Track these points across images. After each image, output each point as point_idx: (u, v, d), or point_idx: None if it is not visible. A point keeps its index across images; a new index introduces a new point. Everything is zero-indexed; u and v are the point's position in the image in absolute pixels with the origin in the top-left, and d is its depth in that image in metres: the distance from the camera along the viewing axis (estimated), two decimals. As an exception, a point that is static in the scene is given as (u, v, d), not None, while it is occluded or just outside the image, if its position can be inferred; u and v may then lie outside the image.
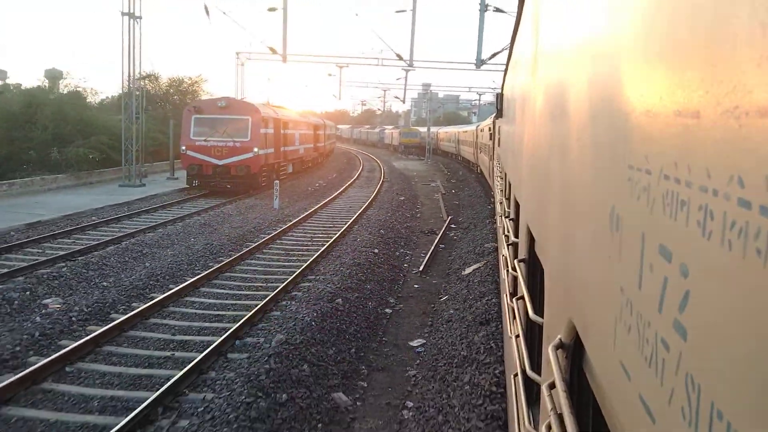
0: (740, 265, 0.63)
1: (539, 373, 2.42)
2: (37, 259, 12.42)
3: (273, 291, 10.83)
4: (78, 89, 35.37)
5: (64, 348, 7.95)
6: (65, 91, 34.59)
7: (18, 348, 8.05)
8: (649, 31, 0.99)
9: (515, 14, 5.80)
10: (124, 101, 25.21)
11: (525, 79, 4.16)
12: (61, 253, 13.13)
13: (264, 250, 14.75)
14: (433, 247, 15.85)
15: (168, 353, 8.26)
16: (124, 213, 19.01)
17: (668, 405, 0.79)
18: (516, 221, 4.97)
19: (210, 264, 13.08)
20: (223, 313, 10.00)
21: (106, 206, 19.98)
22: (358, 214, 20.19)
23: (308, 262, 12.81)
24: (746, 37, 0.64)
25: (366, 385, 7.93)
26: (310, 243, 15.80)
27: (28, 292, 10.25)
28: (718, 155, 0.69)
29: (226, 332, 8.62)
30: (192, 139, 24.21)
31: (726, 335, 0.66)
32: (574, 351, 1.64)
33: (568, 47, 2.01)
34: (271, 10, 27.70)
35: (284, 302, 10.48)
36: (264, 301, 10.09)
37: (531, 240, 3.33)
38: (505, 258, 5.34)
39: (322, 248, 14.33)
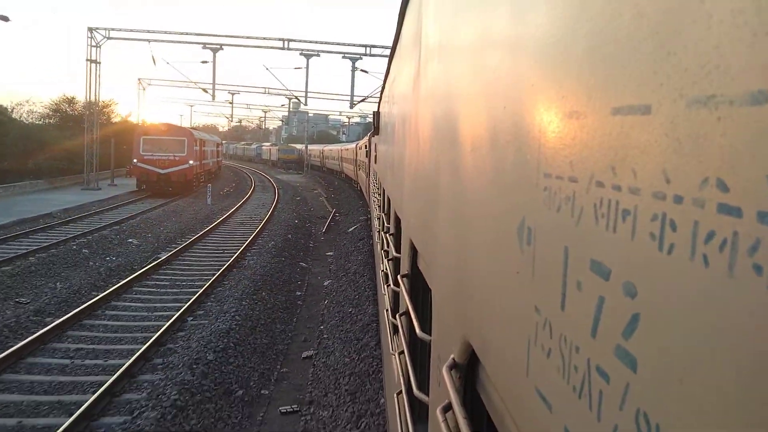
0: (723, 283, 0.51)
1: (427, 393, 2.30)
2: (96, 225, 20.94)
3: (241, 247, 20.27)
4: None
5: (161, 257, 17.01)
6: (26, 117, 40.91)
7: (134, 259, 16.91)
8: (572, 24, 0.86)
9: (395, 28, 5.53)
10: (87, 124, 32.93)
11: (406, 91, 3.90)
12: (105, 223, 21.68)
13: (215, 232, 23.60)
14: (327, 221, 25.96)
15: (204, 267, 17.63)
16: (111, 205, 27.27)
17: None
18: (397, 236, 4.75)
19: (188, 236, 21.98)
20: (222, 250, 19.36)
21: (94, 201, 28.02)
22: (273, 206, 29.76)
23: (254, 233, 22.09)
24: (704, 18, 0.55)
25: (307, 265, 17.81)
26: (250, 222, 25.14)
27: (119, 235, 19.06)
28: (678, 155, 0.58)
29: (235, 255, 18.08)
30: (141, 154, 32.50)
31: (694, 364, 0.55)
32: (467, 371, 1.54)
33: (460, 47, 1.80)
34: (204, 62, 36.46)
35: (248, 255, 19.80)
36: (238, 253, 19.58)
37: (414, 254, 3.20)
38: (385, 273, 5.21)
39: (261, 224, 23.78)
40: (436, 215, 2.20)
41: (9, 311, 11.30)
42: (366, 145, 25.11)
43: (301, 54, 34.71)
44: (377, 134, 11.56)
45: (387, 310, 4.77)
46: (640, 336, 0.64)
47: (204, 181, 39.60)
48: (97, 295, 12.28)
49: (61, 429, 6.77)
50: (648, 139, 0.64)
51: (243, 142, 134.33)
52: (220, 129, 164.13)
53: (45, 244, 17.08)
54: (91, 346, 9.89)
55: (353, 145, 40.44)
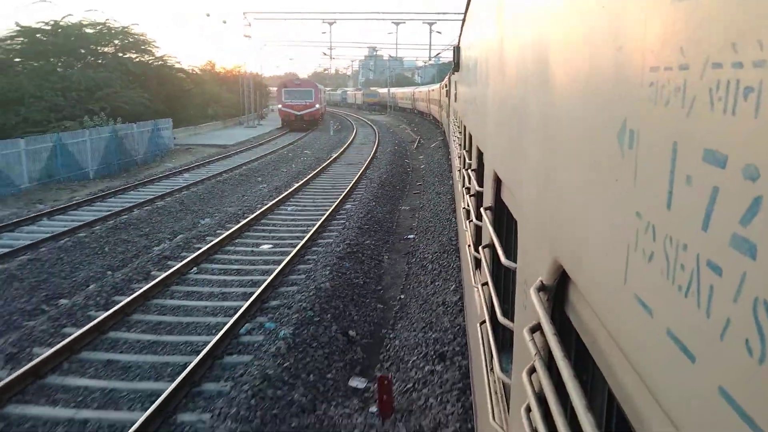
0: None
1: (512, 320, 2.34)
2: (274, 148, 34.77)
3: (369, 156, 33.45)
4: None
5: (332, 156, 30.41)
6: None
7: (312, 162, 30.35)
8: None
9: None
10: (243, 84, 47.17)
11: (490, 15, 3.82)
12: (281, 146, 35.54)
13: (351, 147, 37.00)
14: (416, 141, 38.89)
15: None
16: (275, 136, 41.33)
17: (720, 339, 0.67)
18: (479, 171, 4.79)
19: (332, 153, 35.25)
20: (361, 153, 32.65)
21: (262, 134, 42.20)
22: (377, 134, 42.87)
23: (373, 150, 35.16)
24: None
25: (409, 161, 30.87)
26: (365, 145, 38.30)
27: (293, 152, 32.84)
28: None
29: (371, 155, 31.30)
30: (283, 101, 46.37)
31: None
32: (555, 293, 1.55)
33: None
34: (323, 33, 49.54)
35: (378, 155, 32.90)
36: (369, 156, 32.77)
37: (498, 186, 3.23)
38: (466, 210, 5.29)
39: (375, 145, 36.84)
40: (523, 140, 2.16)
41: (248, 195, 24.99)
42: (445, 85, 26.41)
43: (392, 23, 47.02)
44: (457, 71, 11.00)
45: (469, 245, 4.88)
46: (762, 219, 0.60)
47: (321, 119, 53.39)
48: (303, 179, 25.67)
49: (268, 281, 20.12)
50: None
51: (329, 87, 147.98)
52: (300, 75, 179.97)
53: (252, 158, 30.65)
54: (282, 225, 23.26)
55: (426, 89, 48.56)
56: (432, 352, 7.70)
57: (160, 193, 19.49)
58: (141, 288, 10.15)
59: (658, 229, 0.86)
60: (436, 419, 6.17)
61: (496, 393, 2.85)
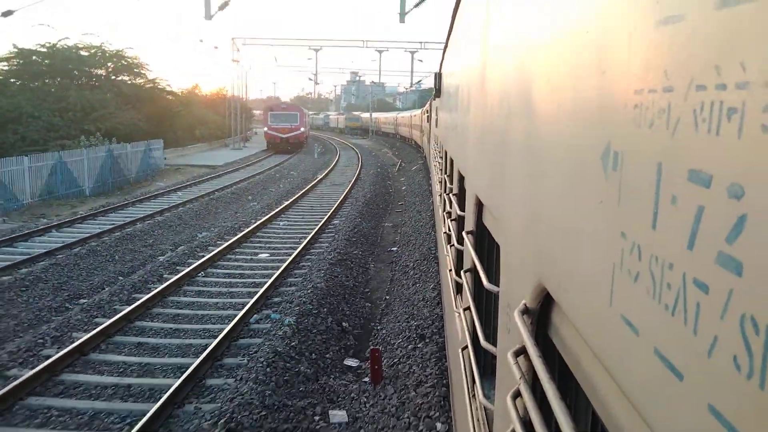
0: None
1: (494, 344, 2.34)
2: (261, 169, 36.27)
3: (353, 177, 35.11)
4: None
5: (317, 178, 31.98)
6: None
7: (297, 183, 31.91)
8: None
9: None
10: (229, 108, 48.78)
11: (473, 41, 3.84)
12: (267, 167, 37.00)
13: (335, 170, 38.60)
14: (398, 164, 40.63)
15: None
16: (261, 158, 42.78)
17: (707, 356, 0.68)
18: (461, 196, 4.82)
19: (317, 174, 36.88)
20: (343, 176, 34.27)
21: (248, 155, 43.64)
22: (359, 158, 44.56)
23: (356, 172, 36.87)
24: None
25: (391, 182, 32.54)
26: (348, 167, 39.97)
27: (279, 173, 34.34)
28: None
29: (354, 176, 32.94)
30: (269, 124, 48.00)
31: None
32: (539, 316, 1.57)
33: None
34: (309, 59, 51.50)
35: (361, 177, 34.59)
36: (353, 177, 34.42)
37: (479, 210, 3.25)
38: (447, 234, 5.32)
39: (359, 167, 38.48)
40: (505, 164, 2.17)
41: (265, 197, 26.43)
42: (426, 110, 26.98)
43: (375, 50, 49.13)
44: (438, 96, 11.01)
45: (450, 270, 4.91)
46: (747, 237, 0.62)
47: (306, 142, 55.04)
48: (291, 198, 27.16)
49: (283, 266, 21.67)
50: (761, 29, 0.61)
51: (312, 111, 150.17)
52: (282, 99, 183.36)
53: (241, 178, 32.13)
54: (276, 238, 24.76)
55: (408, 114, 50.68)
56: (414, 335, 9.19)
57: (158, 209, 20.80)
58: (157, 288, 11.51)
59: (644, 249, 0.87)
60: (418, 380, 7.66)
61: (478, 420, 2.83)
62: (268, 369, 7.93)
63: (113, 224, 18.02)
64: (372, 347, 8.62)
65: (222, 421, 6.56)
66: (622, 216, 0.96)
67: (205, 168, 36.41)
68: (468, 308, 3.21)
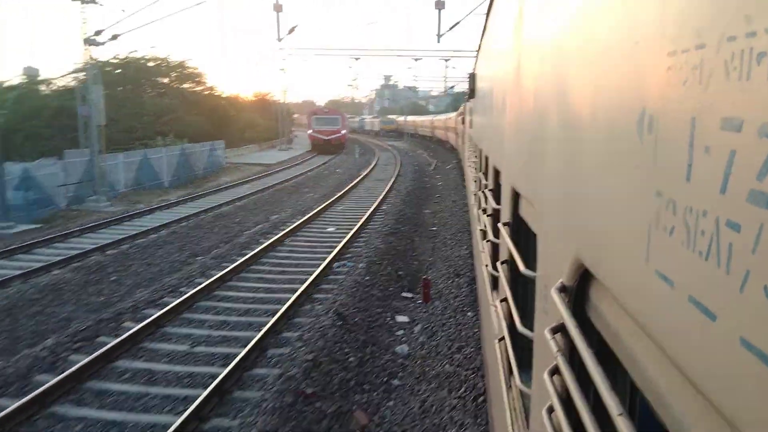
0: None
1: (531, 330, 2.40)
2: (312, 166, 40.24)
3: (393, 174, 38.80)
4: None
5: (362, 173, 35.77)
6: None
7: (345, 179, 35.72)
8: None
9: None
10: (278, 112, 53.14)
11: (509, 43, 3.86)
12: (316, 165, 40.99)
13: (377, 167, 42.31)
14: (433, 164, 44.22)
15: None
16: (306, 158, 46.87)
17: (739, 292, 0.70)
18: (496, 191, 5.00)
19: (361, 171, 40.64)
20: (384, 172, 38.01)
21: (295, 156, 47.78)
22: (398, 159, 48.23)
23: (398, 167, 40.50)
24: None
25: (428, 179, 36.16)
26: (388, 166, 43.62)
27: (326, 170, 38.28)
28: None
29: (395, 173, 36.63)
30: (313, 127, 52.19)
31: None
32: (576, 293, 1.58)
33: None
34: (350, 67, 55.70)
35: (402, 173, 38.25)
36: (394, 174, 38.12)
37: (516, 202, 3.35)
38: (483, 231, 5.55)
39: (397, 166, 42.15)
40: (542, 151, 2.21)
41: (309, 195, 30.32)
42: (462, 113, 27.54)
43: (413, 59, 52.98)
44: (472, 97, 11.20)
45: (486, 265, 5.05)
46: None
47: (345, 144, 59.17)
48: (342, 189, 30.90)
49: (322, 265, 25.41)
50: None
51: (349, 115, 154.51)
52: (316, 103, 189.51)
53: (294, 175, 36.03)
54: (338, 218, 28.52)
55: (443, 117, 54.75)
56: (452, 273, 12.86)
57: (236, 197, 24.86)
58: (259, 247, 15.41)
59: (679, 202, 0.88)
60: (455, 294, 11.34)
61: (515, 409, 2.88)
62: (352, 289, 11.68)
63: (201, 208, 22.09)
64: (423, 277, 12.32)
65: (332, 310, 10.36)
66: (657, 175, 0.98)
67: (260, 166, 40.61)
68: (504, 299, 3.30)
